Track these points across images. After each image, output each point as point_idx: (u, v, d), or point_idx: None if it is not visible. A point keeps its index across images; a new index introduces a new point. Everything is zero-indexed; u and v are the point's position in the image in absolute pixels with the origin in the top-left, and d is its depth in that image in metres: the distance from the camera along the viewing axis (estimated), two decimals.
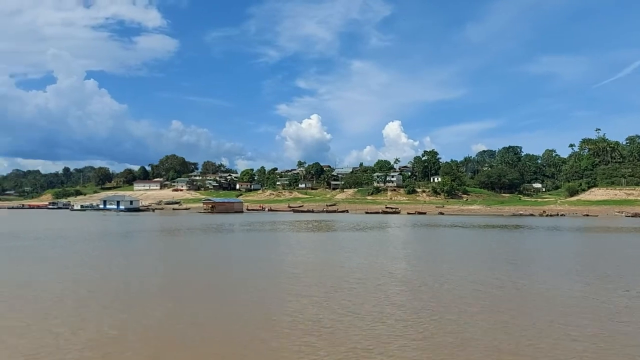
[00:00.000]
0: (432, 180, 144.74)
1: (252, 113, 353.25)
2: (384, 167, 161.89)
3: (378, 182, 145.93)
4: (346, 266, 21.03)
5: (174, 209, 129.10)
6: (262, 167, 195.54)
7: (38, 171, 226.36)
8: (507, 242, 35.02)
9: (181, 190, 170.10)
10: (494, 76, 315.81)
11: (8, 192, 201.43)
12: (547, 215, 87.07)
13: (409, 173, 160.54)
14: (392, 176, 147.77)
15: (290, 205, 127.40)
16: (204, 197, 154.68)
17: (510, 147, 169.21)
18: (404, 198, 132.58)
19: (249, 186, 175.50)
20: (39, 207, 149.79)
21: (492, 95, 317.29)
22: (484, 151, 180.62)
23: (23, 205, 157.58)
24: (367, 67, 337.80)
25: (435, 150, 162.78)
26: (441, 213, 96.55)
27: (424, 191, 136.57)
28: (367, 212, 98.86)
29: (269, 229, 46.95)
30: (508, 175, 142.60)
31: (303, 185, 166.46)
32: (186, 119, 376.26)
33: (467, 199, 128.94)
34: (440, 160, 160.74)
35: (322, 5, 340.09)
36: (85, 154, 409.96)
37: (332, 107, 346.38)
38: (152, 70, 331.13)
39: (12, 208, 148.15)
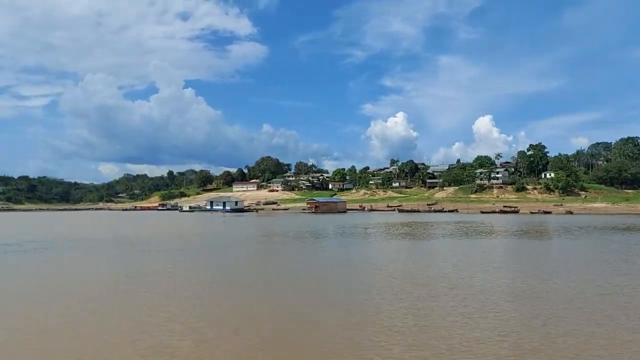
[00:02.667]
0: (543, 176, 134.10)
1: (338, 114, 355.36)
2: (485, 163, 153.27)
3: (481, 180, 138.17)
4: None
5: (273, 209, 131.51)
6: (353, 167, 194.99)
7: (145, 175, 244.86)
8: None
9: (277, 190, 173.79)
10: (597, 64, 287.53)
11: (120, 195, 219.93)
12: None
13: (513, 169, 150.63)
14: (497, 172, 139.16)
15: (390, 205, 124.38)
16: (298, 197, 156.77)
17: (629, 138, 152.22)
18: (513, 196, 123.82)
19: (341, 186, 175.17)
20: (149, 208, 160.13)
21: (594, 84, 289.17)
22: (598, 143, 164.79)
23: (135, 207, 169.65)
24: (455, 61, 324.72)
25: (542, 144, 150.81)
26: (569, 212, 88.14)
27: (534, 188, 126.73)
28: (482, 212, 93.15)
29: (398, 234, 44.08)
30: (630, 170, 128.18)
31: (397, 184, 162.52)
32: (275, 122, 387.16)
33: (585, 196, 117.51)
34: (547, 155, 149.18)
35: (408, 2, 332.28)
36: (185, 158, 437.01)
37: (419, 104, 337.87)
38: (244, 76, 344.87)
39: (126, 210, 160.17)
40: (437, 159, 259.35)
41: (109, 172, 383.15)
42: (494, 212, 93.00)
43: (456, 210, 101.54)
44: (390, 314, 11.90)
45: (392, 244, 33.14)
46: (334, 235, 41.43)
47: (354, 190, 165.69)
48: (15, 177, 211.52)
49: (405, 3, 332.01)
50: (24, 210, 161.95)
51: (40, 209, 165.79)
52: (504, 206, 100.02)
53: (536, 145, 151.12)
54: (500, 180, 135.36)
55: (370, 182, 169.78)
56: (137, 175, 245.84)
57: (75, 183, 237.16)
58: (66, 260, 24.11)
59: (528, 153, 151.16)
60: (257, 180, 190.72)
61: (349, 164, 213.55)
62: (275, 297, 14.47)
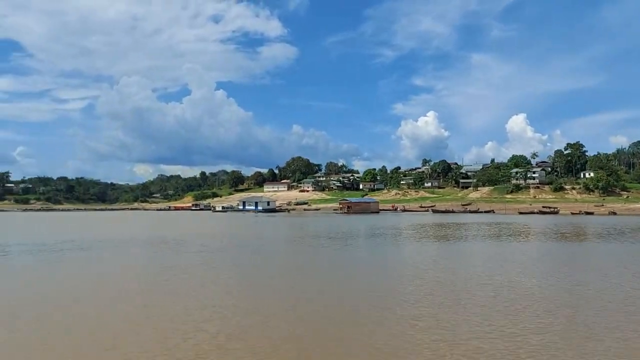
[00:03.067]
0: (582, 176, 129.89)
1: (367, 114, 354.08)
2: (520, 162, 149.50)
3: (517, 179, 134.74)
4: None
5: (304, 210, 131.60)
6: (384, 167, 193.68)
7: (179, 175, 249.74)
8: None
9: (307, 191, 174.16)
10: (633, 61, 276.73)
11: (154, 195, 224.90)
12: None
13: (549, 169, 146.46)
14: (534, 172, 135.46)
15: (422, 205, 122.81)
16: (329, 197, 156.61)
17: None
18: (550, 196, 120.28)
19: (372, 186, 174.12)
20: (183, 208, 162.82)
21: (631, 81, 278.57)
22: (639, 142, 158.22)
23: (169, 207, 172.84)
24: (487, 59, 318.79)
25: (580, 143, 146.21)
26: (613, 213, 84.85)
27: (573, 188, 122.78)
28: (520, 213, 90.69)
29: (439, 235, 42.44)
30: None
31: (429, 184, 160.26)
32: (305, 123, 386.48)
33: (627, 197, 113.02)
34: (586, 154, 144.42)
35: (439, 0, 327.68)
36: (217, 159, 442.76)
37: (450, 103, 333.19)
38: (274, 77, 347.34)
39: (160, 210, 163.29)
40: (470, 158, 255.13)
41: (144, 172, 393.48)
42: (532, 212, 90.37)
43: (492, 211, 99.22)
44: (471, 333, 11.01)
45: (438, 246, 32.26)
46: (371, 236, 40.73)
47: (385, 191, 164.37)
48: (55, 178, 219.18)
49: (436, 1, 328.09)
50: (62, 210, 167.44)
51: (78, 209, 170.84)
52: (543, 207, 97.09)
53: (574, 144, 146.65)
54: (537, 180, 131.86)
55: (402, 182, 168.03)
56: (171, 176, 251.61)
57: (112, 183, 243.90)
58: (105, 260, 24.47)
59: (565, 152, 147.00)
60: (288, 181, 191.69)
61: (379, 164, 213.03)
62: (320, 306, 13.85)
